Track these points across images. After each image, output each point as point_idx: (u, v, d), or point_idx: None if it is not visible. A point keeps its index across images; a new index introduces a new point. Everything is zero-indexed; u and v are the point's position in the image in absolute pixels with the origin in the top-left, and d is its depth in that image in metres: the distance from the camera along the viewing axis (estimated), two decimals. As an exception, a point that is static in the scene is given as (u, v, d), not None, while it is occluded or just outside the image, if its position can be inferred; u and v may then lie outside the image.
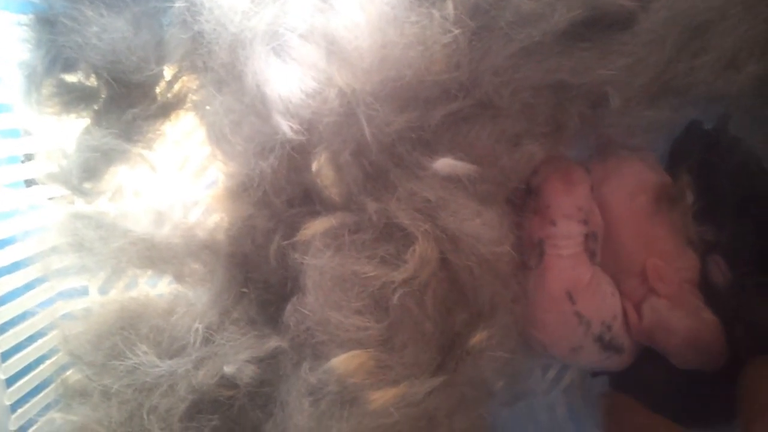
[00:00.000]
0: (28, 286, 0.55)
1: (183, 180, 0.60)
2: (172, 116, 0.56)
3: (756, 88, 0.50)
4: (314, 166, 0.53)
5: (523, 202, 0.56)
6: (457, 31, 0.47)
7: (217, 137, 0.53)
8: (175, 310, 0.53)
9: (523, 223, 0.56)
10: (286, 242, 0.51)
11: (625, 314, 0.57)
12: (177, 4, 0.52)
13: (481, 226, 0.49)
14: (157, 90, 0.55)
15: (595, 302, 0.55)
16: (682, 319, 0.54)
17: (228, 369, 0.49)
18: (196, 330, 0.51)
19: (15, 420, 0.50)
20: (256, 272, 0.53)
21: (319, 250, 0.49)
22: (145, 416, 0.49)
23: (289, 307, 0.50)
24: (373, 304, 0.48)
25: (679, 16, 0.46)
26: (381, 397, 0.46)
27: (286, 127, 0.49)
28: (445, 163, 0.49)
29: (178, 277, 0.54)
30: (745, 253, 0.55)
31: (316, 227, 0.50)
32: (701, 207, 0.56)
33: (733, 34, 0.48)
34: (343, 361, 0.46)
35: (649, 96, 0.50)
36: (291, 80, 0.48)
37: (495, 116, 0.50)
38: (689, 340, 0.54)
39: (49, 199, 0.59)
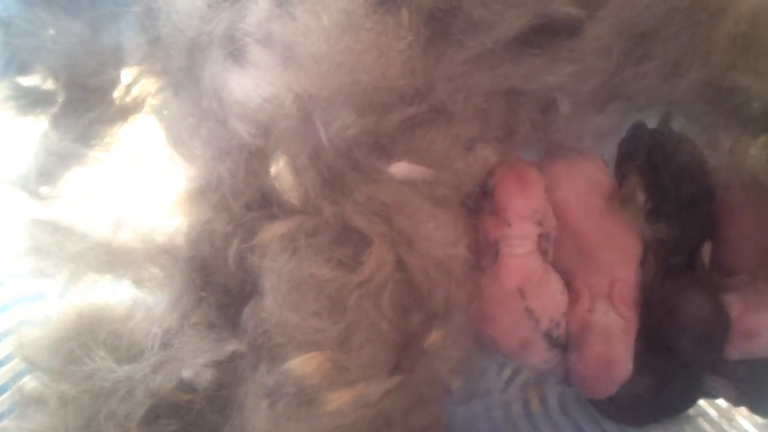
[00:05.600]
0: (-16, 293, 0.55)
1: (141, 184, 0.60)
2: (131, 120, 0.56)
3: (699, 93, 0.52)
4: (273, 170, 0.53)
5: (478, 203, 0.57)
6: (411, 38, 0.48)
7: (175, 141, 0.53)
8: (133, 314, 0.53)
9: (479, 224, 0.57)
10: (244, 246, 0.52)
11: (577, 302, 0.58)
12: (134, 9, 0.52)
13: (436, 229, 0.50)
14: (116, 94, 0.55)
15: (544, 298, 0.56)
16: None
17: (186, 373, 0.49)
18: (155, 335, 0.51)
19: (-32, 429, 0.50)
20: (215, 276, 0.53)
21: (276, 253, 0.49)
22: (102, 422, 0.48)
23: (247, 310, 0.50)
24: (330, 306, 0.48)
25: (623, 24, 0.48)
26: (338, 398, 0.47)
27: (243, 131, 0.49)
28: (400, 167, 0.50)
29: (137, 282, 0.54)
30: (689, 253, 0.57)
31: (273, 231, 0.50)
32: (653, 206, 0.57)
33: (675, 42, 0.49)
34: (300, 363, 0.47)
35: (597, 101, 0.52)
36: (248, 85, 0.49)
37: (449, 121, 0.51)
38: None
39: (5, 203, 0.58)
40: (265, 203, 0.53)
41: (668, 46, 0.50)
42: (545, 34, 0.49)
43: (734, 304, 0.55)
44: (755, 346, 0.55)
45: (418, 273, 0.50)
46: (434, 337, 0.50)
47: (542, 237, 0.56)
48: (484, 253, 0.57)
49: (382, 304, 0.49)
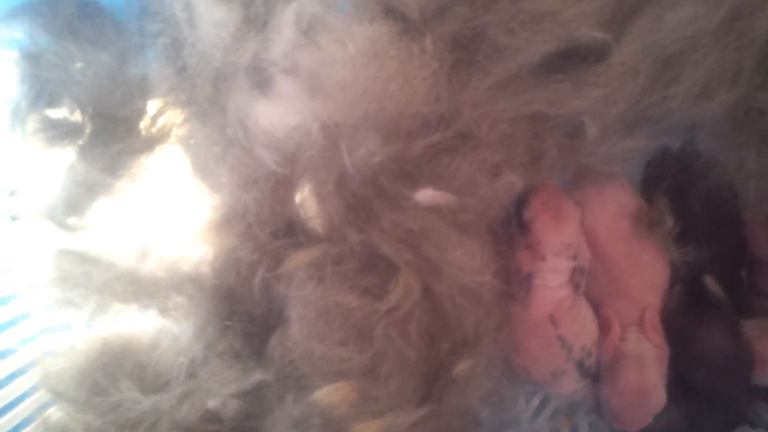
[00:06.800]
0: (11, 323, 0.55)
1: (167, 213, 0.60)
2: (157, 150, 0.56)
3: (728, 115, 0.51)
4: (298, 198, 0.53)
5: (506, 230, 0.56)
6: (435, 65, 0.48)
7: (201, 170, 0.53)
8: (159, 344, 0.53)
9: (513, 255, 0.56)
10: (270, 274, 0.51)
11: (609, 330, 0.57)
12: (160, 41, 0.53)
13: (463, 256, 0.49)
14: (142, 124, 0.56)
15: (576, 326, 0.55)
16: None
17: (212, 403, 0.49)
18: (180, 364, 0.50)
19: (-5, 460, 0.50)
20: (241, 305, 0.53)
21: (302, 281, 0.49)
22: (128, 453, 0.48)
23: (273, 340, 0.50)
24: (357, 334, 0.48)
25: (650, 48, 0.48)
26: (366, 429, 0.46)
27: (269, 159, 0.49)
28: (426, 194, 0.49)
29: (163, 311, 0.54)
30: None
31: (299, 259, 0.50)
32: (681, 229, 0.56)
33: (703, 64, 0.49)
34: (327, 393, 0.46)
35: (625, 125, 0.51)
36: (273, 114, 0.49)
37: (475, 147, 0.50)
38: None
39: (34, 233, 0.58)
40: (291, 231, 0.53)
41: (696, 69, 0.49)
42: (571, 59, 0.49)
43: None
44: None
45: (445, 301, 0.49)
46: (463, 366, 0.49)
47: (576, 270, 0.55)
48: (516, 283, 0.56)
49: (409, 333, 0.48)
